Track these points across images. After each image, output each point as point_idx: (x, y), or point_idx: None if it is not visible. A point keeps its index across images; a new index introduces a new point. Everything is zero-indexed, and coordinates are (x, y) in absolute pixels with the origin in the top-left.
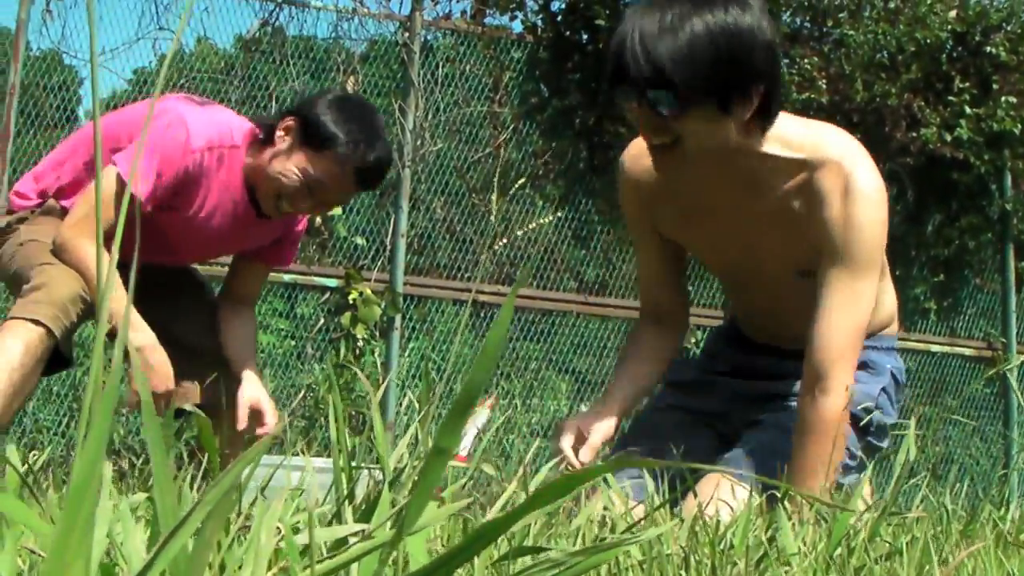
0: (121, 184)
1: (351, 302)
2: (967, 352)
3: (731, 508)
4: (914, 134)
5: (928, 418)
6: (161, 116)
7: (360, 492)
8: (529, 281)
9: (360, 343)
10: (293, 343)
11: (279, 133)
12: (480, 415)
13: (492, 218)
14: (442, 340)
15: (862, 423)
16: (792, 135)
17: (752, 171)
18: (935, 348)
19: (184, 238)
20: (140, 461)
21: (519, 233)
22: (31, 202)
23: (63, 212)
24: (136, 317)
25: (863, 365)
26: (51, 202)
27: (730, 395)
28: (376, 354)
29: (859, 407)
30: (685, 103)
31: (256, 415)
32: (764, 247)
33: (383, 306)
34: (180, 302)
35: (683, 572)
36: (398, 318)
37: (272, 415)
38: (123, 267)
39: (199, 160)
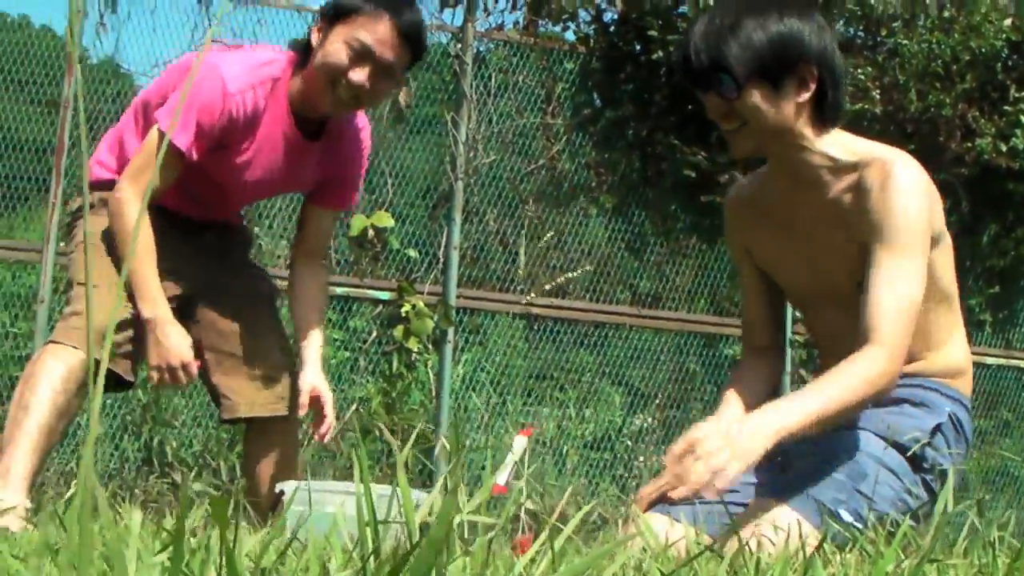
0: (163, 138)
1: (404, 315)
2: (1023, 364)
3: (772, 543)
4: (969, 144)
5: (985, 431)
6: (200, 71)
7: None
8: (583, 293)
9: (413, 356)
10: (347, 354)
11: (314, 36)
12: (517, 445)
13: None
14: (496, 352)
15: (910, 452)
16: (850, 141)
17: (812, 168)
18: (990, 360)
19: (240, 180)
20: (192, 475)
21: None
22: (109, 174)
23: None
24: (154, 291)
25: (919, 403)
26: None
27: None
28: (429, 366)
29: (907, 437)
30: (741, 83)
31: (316, 404)
32: (829, 256)
33: (436, 319)
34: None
35: None
36: (451, 331)
37: (331, 408)
38: (182, 222)
39: (241, 101)
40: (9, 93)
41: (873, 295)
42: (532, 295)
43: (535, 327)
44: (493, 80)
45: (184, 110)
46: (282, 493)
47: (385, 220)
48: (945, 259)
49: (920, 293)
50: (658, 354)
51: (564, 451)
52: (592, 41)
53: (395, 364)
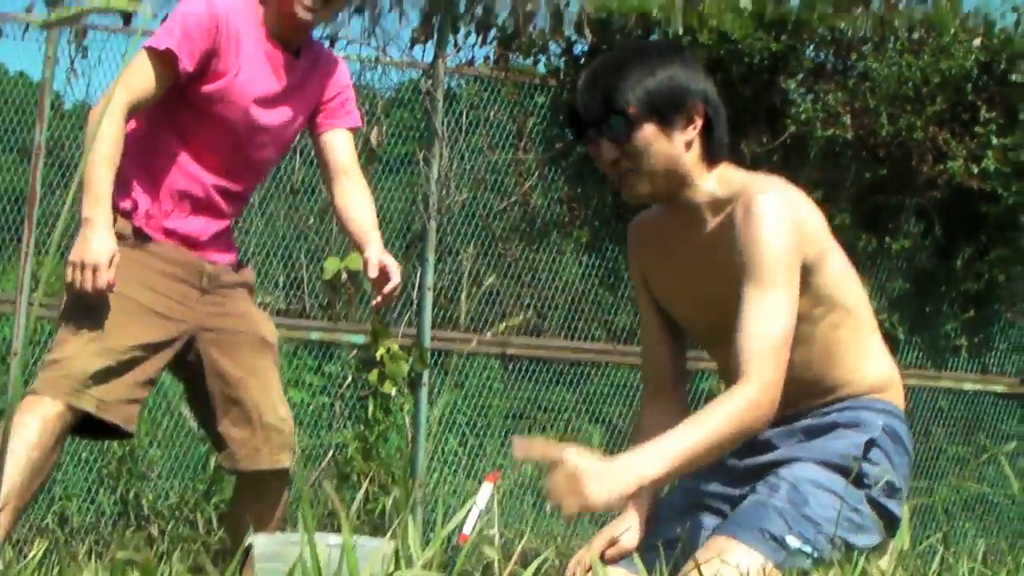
0: (149, 49)
1: (378, 358)
2: (999, 389)
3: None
4: (940, 167)
5: (962, 458)
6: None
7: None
8: (558, 331)
9: (390, 400)
10: (324, 399)
11: None
12: (483, 493)
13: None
14: (474, 394)
15: (851, 474)
16: (731, 175)
17: (696, 207)
18: (967, 386)
19: (248, 108)
20: (169, 527)
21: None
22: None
23: (129, 240)
24: (102, 193)
25: (850, 424)
26: (120, 224)
27: (729, 477)
28: (405, 410)
29: (841, 456)
30: (630, 125)
31: (383, 275)
32: (719, 293)
33: (411, 361)
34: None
35: None
36: (426, 373)
37: (396, 273)
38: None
39: (224, 18)
40: None
41: (742, 332)
42: (507, 334)
43: (511, 366)
44: (464, 116)
45: (168, 24)
46: (250, 547)
47: (358, 263)
48: (838, 275)
49: (789, 324)
50: (636, 390)
51: (543, 491)
52: (563, 74)
53: (371, 409)
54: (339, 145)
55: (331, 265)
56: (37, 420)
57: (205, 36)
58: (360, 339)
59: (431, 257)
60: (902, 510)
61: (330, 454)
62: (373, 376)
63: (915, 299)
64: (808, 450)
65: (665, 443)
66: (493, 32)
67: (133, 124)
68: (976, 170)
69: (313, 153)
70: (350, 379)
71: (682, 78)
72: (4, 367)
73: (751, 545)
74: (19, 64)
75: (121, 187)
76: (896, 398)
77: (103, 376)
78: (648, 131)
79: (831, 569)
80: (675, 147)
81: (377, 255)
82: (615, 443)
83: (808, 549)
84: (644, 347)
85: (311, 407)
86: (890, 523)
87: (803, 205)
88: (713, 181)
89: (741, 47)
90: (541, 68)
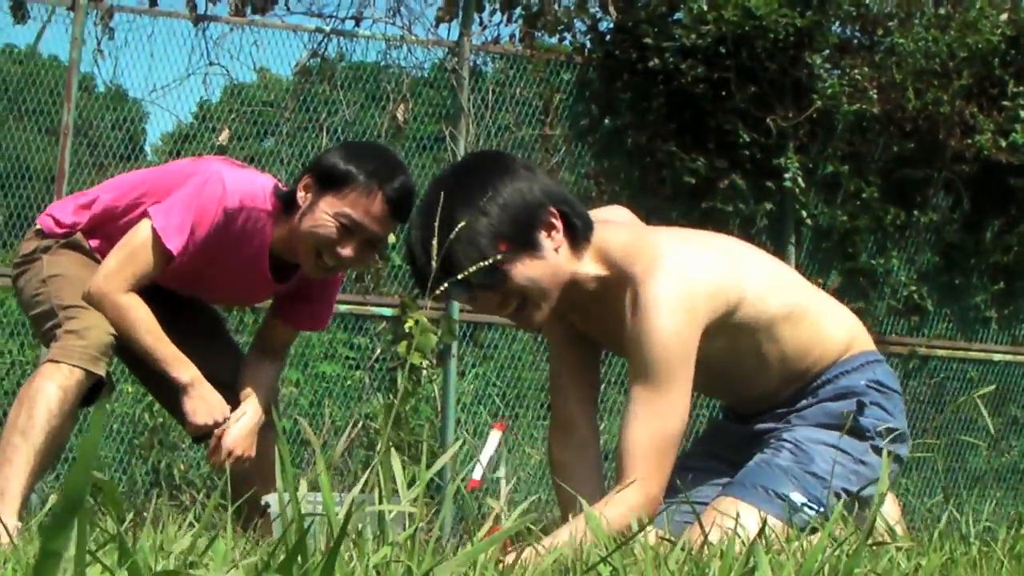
0: (157, 238)
1: (407, 330)
2: None
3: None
4: (968, 141)
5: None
6: (200, 174)
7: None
8: None
9: (421, 371)
10: (353, 372)
11: (300, 194)
12: (491, 440)
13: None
14: (506, 367)
15: (845, 428)
16: (611, 249)
17: (591, 293)
18: (997, 357)
19: (203, 285)
20: (200, 496)
21: None
22: (62, 230)
23: (88, 252)
24: (181, 356)
25: (838, 396)
26: (78, 236)
27: (735, 441)
28: (435, 382)
29: (836, 416)
30: (500, 271)
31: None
32: None
33: (439, 333)
34: (214, 343)
35: None
36: (455, 345)
37: (236, 440)
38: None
39: (233, 217)
40: (20, 123)
41: (628, 432)
42: None
43: (539, 339)
44: (490, 93)
45: (182, 211)
46: (267, 505)
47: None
48: (760, 297)
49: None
50: None
51: None
52: (588, 51)
53: (400, 380)
54: (282, 336)
55: None
56: (57, 388)
57: (206, 233)
58: (389, 312)
59: None
60: (907, 449)
61: (359, 425)
62: (402, 348)
63: (944, 272)
64: (804, 418)
65: (553, 541)
66: (518, 10)
67: (99, 209)
68: (1004, 143)
69: (340, 130)
70: (380, 351)
71: (517, 197)
72: (36, 342)
73: (756, 504)
74: (52, 48)
75: (87, 214)
76: (864, 343)
77: (112, 348)
78: (518, 266)
79: (837, 524)
80: (549, 262)
81: (242, 417)
82: None
83: (814, 505)
84: (553, 386)
85: (343, 380)
86: (899, 467)
87: (696, 266)
88: (593, 264)
89: (766, 23)
90: (567, 45)
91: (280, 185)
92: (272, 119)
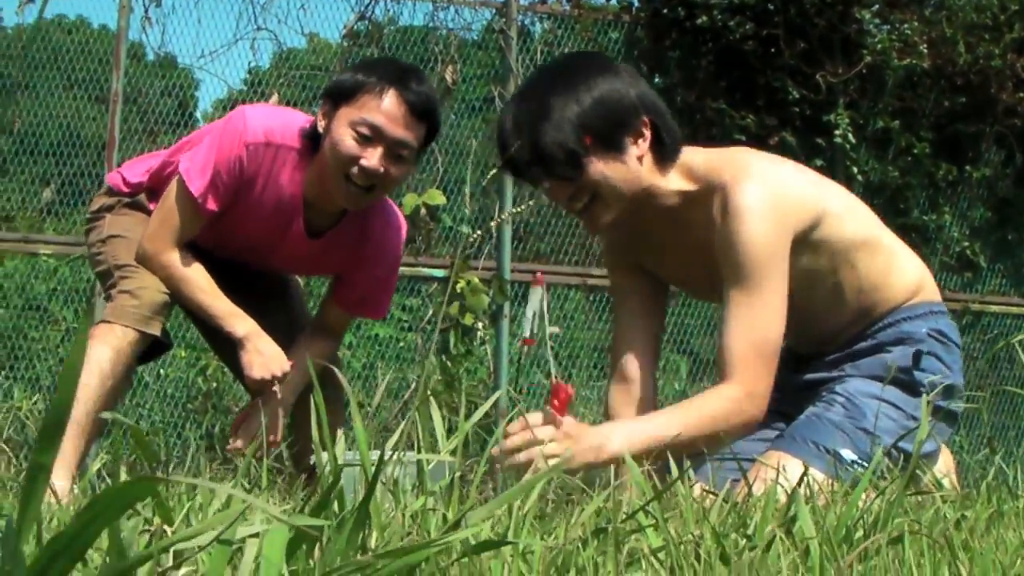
0: (183, 184)
1: (459, 291)
2: None
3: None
4: (1021, 95)
5: None
6: (229, 115)
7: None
8: None
9: (473, 332)
10: (410, 334)
11: (320, 123)
12: (533, 297)
13: None
14: (558, 326)
15: (909, 386)
16: (694, 163)
17: (670, 209)
18: None
19: (236, 237)
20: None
21: None
22: (127, 190)
23: (149, 211)
24: (234, 309)
25: (895, 341)
26: (141, 197)
27: (792, 391)
28: (487, 342)
29: (892, 369)
30: (579, 161)
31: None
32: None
33: (491, 294)
34: (267, 304)
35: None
36: (507, 305)
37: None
38: (201, 256)
39: (256, 153)
40: (71, 92)
41: (727, 337)
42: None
43: (592, 297)
44: (539, 54)
45: (204, 152)
46: (314, 466)
47: (437, 198)
48: (839, 220)
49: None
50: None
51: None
52: (636, 9)
53: (452, 342)
54: (337, 320)
55: (410, 201)
56: (110, 350)
57: (230, 171)
58: (441, 273)
59: (509, 191)
60: (962, 406)
61: (412, 386)
62: (454, 309)
63: (996, 227)
64: (859, 368)
65: (639, 425)
66: None
67: (155, 168)
68: None
69: None
70: (431, 313)
71: (615, 94)
72: (90, 308)
73: (804, 459)
74: (101, 17)
75: (148, 175)
76: (931, 294)
77: (167, 308)
78: (598, 163)
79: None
80: (630, 168)
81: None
82: (701, 372)
83: (864, 462)
84: (617, 336)
85: (396, 342)
86: (953, 423)
87: (781, 177)
88: (678, 179)
89: None
90: (615, 4)
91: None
92: (322, 84)
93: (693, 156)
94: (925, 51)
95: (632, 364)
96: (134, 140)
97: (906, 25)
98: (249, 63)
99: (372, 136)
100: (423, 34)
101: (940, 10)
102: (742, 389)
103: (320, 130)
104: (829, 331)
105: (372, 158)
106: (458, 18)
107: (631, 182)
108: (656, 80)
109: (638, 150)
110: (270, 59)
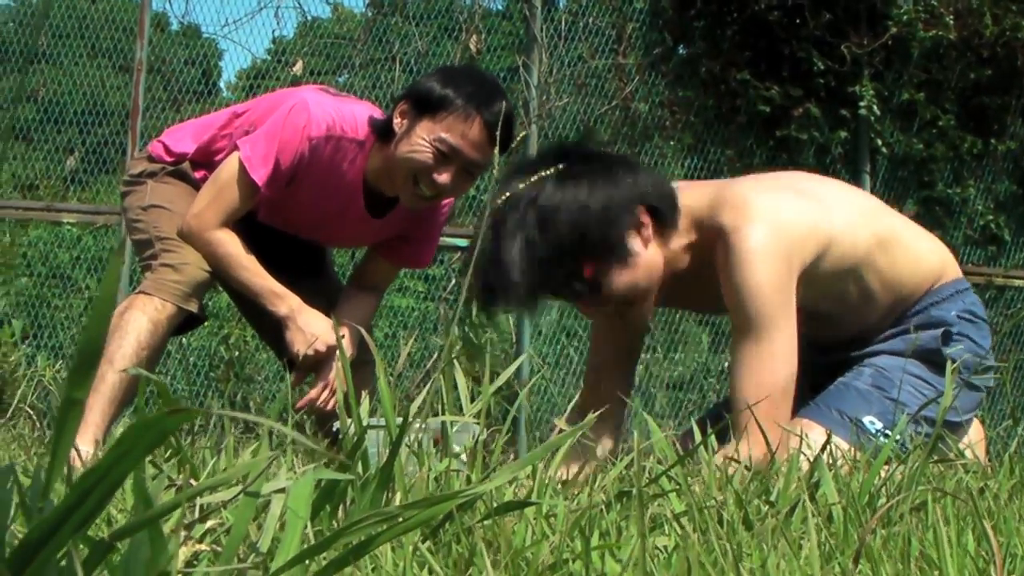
0: (243, 170)
1: None
2: None
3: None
4: None
5: None
6: (288, 102)
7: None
8: None
9: None
10: (430, 304)
11: (396, 120)
12: None
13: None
14: None
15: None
16: (694, 211)
17: (682, 268)
18: None
19: (299, 220)
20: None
21: None
22: (171, 159)
23: (193, 183)
24: (278, 287)
25: (926, 325)
26: (186, 165)
27: (817, 370)
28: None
29: (922, 345)
30: (593, 286)
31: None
32: None
33: None
34: (302, 281)
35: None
36: None
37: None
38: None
39: (318, 147)
40: (96, 61)
41: (735, 389)
42: None
43: None
44: (563, 23)
45: (266, 140)
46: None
47: None
48: (849, 236)
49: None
50: None
51: (652, 394)
52: None
53: (475, 311)
54: (383, 272)
55: None
56: (147, 321)
57: (291, 162)
58: (463, 242)
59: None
60: (991, 379)
61: (435, 356)
62: None
63: (1021, 201)
64: (890, 346)
65: None
66: None
67: (204, 140)
68: None
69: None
70: (453, 283)
71: (596, 209)
72: (121, 245)
73: (830, 427)
74: None
75: (195, 144)
76: (953, 273)
77: (207, 285)
78: (611, 275)
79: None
80: (643, 262)
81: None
82: (721, 344)
83: (889, 431)
84: (591, 366)
85: (416, 312)
86: (980, 396)
87: (782, 212)
88: (680, 236)
89: None
90: None
91: (376, 115)
92: (345, 52)
93: (690, 201)
94: (951, 22)
95: (605, 393)
96: (158, 109)
97: None
98: (273, 32)
99: (450, 156)
100: (447, 3)
101: None
102: (747, 443)
103: (395, 128)
104: (864, 331)
105: (445, 175)
106: None
107: (652, 272)
108: (680, 50)
109: (642, 239)
110: (294, 28)
